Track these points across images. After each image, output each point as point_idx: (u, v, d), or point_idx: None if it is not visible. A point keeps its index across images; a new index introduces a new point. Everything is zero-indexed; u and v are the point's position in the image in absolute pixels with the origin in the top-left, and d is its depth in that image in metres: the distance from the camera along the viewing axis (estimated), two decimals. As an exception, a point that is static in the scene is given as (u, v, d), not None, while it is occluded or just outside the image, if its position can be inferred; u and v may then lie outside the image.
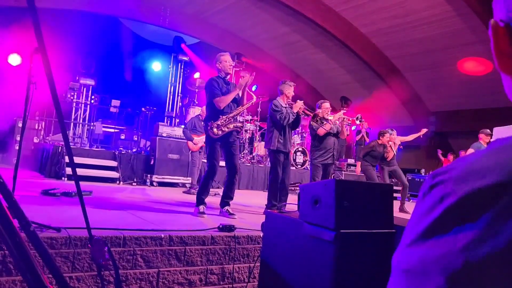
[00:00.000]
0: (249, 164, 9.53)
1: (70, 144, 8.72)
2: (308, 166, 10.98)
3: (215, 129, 4.46)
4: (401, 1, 10.99)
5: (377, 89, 15.19)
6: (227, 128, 4.52)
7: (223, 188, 4.89)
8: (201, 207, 4.47)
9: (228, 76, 4.80)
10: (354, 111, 13.42)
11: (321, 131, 5.52)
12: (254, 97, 4.89)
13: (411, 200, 10.88)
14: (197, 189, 7.14)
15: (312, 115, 5.38)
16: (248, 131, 10.20)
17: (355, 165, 11.37)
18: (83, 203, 1.64)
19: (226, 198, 4.67)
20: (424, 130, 8.03)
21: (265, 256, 2.77)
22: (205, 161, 8.29)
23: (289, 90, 5.24)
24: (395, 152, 7.53)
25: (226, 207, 4.60)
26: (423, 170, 14.83)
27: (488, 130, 7.88)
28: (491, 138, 7.96)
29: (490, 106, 13.12)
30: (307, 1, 11.69)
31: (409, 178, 13.31)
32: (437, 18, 11.29)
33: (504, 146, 0.43)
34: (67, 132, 9.49)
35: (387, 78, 14.41)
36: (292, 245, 2.52)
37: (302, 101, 5.17)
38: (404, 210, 7.06)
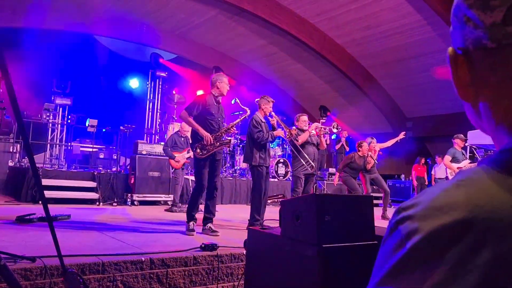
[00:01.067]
0: (231, 178, 9.49)
1: (47, 166, 8.54)
2: (290, 177, 11.01)
3: (198, 150, 4.48)
4: (374, 12, 11.23)
5: (355, 97, 15.43)
6: (213, 147, 4.50)
7: (204, 203, 4.84)
8: (191, 224, 4.48)
9: (220, 98, 4.82)
10: (333, 120, 13.58)
11: (298, 141, 5.56)
12: (248, 110, 4.94)
13: (392, 207, 10.99)
14: (181, 206, 7.14)
15: (288, 132, 5.46)
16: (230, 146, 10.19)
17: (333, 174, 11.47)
18: (54, 233, 1.59)
19: (208, 214, 4.66)
20: (402, 134, 8.14)
21: (248, 274, 2.73)
22: (188, 177, 8.25)
23: (267, 105, 5.26)
24: (375, 160, 7.60)
25: (209, 224, 4.58)
26: (403, 176, 15.04)
27: (462, 136, 8.05)
28: (465, 142, 8.13)
29: (463, 110, 13.42)
30: (282, 14, 11.83)
31: (389, 184, 13.47)
32: (408, 27, 11.58)
33: (466, 179, 0.43)
34: (44, 153, 9.29)
35: (364, 86, 14.64)
36: (275, 262, 2.50)
37: (282, 131, 5.27)
38: (386, 217, 7.12)
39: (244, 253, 3.25)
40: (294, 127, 5.72)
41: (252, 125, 5.15)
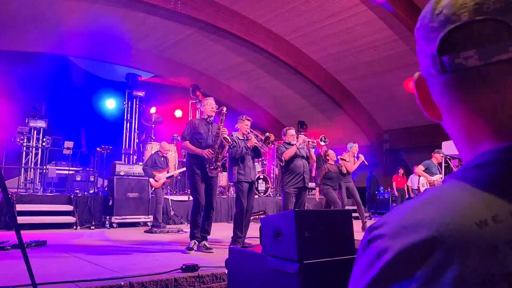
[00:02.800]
0: (211, 196, 9.42)
1: (22, 190, 8.30)
2: (270, 193, 10.99)
3: (212, 167, 4.82)
4: (348, 28, 11.51)
5: (332, 112, 15.66)
6: (216, 154, 4.83)
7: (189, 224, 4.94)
8: (192, 243, 4.66)
9: (211, 118, 5.10)
10: (311, 135, 13.71)
11: (285, 155, 5.56)
12: (224, 107, 5.04)
13: (373, 218, 11.08)
14: (165, 226, 7.08)
15: (263, 138, 5.44)
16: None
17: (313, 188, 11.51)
18: (27, 260, 1.54)
19: (204, 233, 4.83)
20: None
21: (231, 294, 2.70)
22: (168, 197, 8.15)
23: (242, 124, 5.35)
24: (353, 164, 7.66)
25: (203, 242, 4.76)
26: (381, 187, 15.22)
27: (442, 151, 8.22)
28: (443, 158, 8.31)
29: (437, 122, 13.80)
30: (258, 31, 12.00)
31: (369, 196, 13.62)
32: (382, 42, 11.90)
33: (433, 198, 0.44)
34: (19, 177, 9.04)
35: (341, 100, 14.89)
36: (257, 280, 2.47)
37: (253, 137, 5.28)
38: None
39: (226, 272, 3.21)
40: (285, 137, 5.79)
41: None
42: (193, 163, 4.84)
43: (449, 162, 8.15)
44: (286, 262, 2.26)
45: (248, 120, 5.37)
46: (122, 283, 2.72)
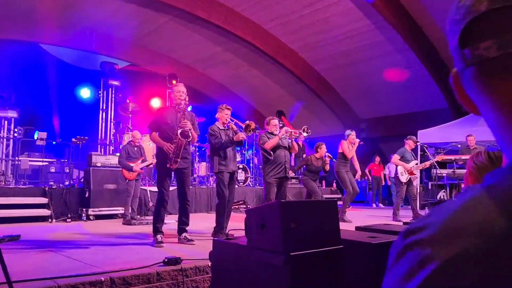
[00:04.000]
0: (190, 187, 9.32)
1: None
2: (250, 183, 10.98)
3: (171, 162, 4.55)
4: (325, 17, 11.50)
5: (309, 101, 15.72)
6: (177, 149, 4.56)
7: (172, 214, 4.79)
8: (159, 237, 4.46)
9: (181, 106, 4.78)
10: (289, 124, 13.73)
11: (267, 145, 5.52)
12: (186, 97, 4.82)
13: (350, 206, 11.19)
14: (139, 219, 6.94)
15: (244, 126, 5.38)
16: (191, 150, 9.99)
17: (296, 178, 11.56)
18: (1, 256, 1.46)
19: (182, 225, 4.69)
20: (357, 142, 7.96)
21: (215, 286, 2.67)
22: (146, 188, 8.03)
23: (222, 113, 5.27)
24: (350, 151, 7.57)
25: (184, 234, 4.63)
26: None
27: (415, 138, 8.38)
28: (417, 144, 8.46)
29: (413, 110, 14.06)
30: (237, 20, 11.85)
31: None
32: (358, 32, 11.95)
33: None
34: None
35: (318, 90, 14.95)
36: (242, 273, 2.45)
37: (233, 126, 5.22)
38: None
39: (209, 265, 3.17)
40: (267, 127, 5.74)
41: (209, 134, 5.19)
42: (160, 154, 4.64)
43: (426, 150, 8.30)
44: (271, 254, 2.24)
45: (228, 109, 5.29)
46: (103, 279, 2.65)
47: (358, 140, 7.68)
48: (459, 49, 0.46)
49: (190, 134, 4.60)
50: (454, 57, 0.49)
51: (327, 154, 7.53)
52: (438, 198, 9.08)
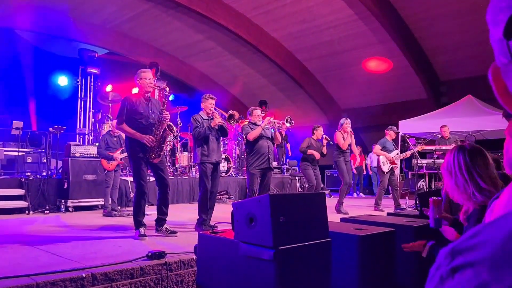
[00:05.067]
0: (172, 177, 9.20)
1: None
2: (232, 173, 10.91)
3: (153, 155, 4.36)
4: (309, 6, 11.43)
5: (292, 91, 15.68)
6: (158, 142, 4.39)
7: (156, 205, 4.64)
8: (141, 230, 4.28)
9: (149, 94, 4.60)
10: (271, 114, 13.68)
11: (250, 136, 5.45)
12: (166, 87, 4.65)
13: (332, 196, 11.29)
14: (120, 210, 6.79)
15: (227, 116, 5.29)
16: (169, 142, 9.84)
17: (279, 168, 11.54)
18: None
19: (162, 215, 4.51)
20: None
21: (201, 281, 2.61)
22: (126, 179, 7.87)
23: (206, 103, 5.17)
24: (344, 141, 7.38)
25: (165, 225, 4.46)
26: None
27: (395, 128, 8.44)
28: (397, 135, 8.53)
29: (394, 101, 14.19)
30: (219, 8, 11.66)
31: (327, 174, 13.87)
32: (341, 22, 11.93)
33: None
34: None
35: (301, 80, 14.92)
36: (229, 268, 2.39)
37: (218, 116, 5.09)
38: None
39: (194, 258, 3.11)
40: (250, 117, 5.66)
41: (192, 124, 5.06)
42: (135, 145, 4.34)
43: (407, 140, 8.39)
44: (260, 248, 2.19)
45: (212, 98, 5.18)
46: (84, 275, 2.55)
47: (325, 137, 7.47)
48: (503, 40, 0.41)
49: (172, 128, 4.49)
50: (495, 49, 0.43)
51: (324, 136, 7.43)
52: (417, 187, 9.20)
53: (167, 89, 4.56)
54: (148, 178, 4.69)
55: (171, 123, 4.52)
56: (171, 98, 11.32)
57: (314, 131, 7.52)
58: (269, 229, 2.16)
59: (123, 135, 7.57)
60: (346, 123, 7.54)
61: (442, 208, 2.07)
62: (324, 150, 7.39)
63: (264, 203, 2.19)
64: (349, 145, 7.52)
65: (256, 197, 2.32)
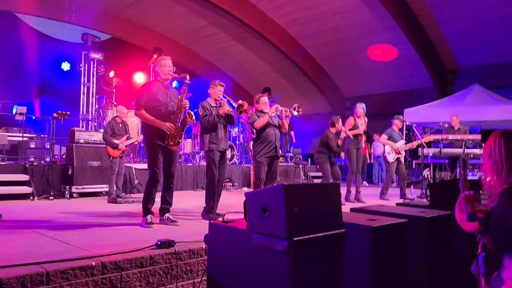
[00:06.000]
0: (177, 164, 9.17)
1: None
2: (236, 160, 10.88)
3: (171, 143, 4.33)
4: (314, -8, 11.25)
5: (296, 78, 15.54)
6: (178, 130, 4.35)
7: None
8: (149, 217, 4.26)
9: (168, 82, 4.55)
10: (276, 101, 13.57)
11: (257, 124, 5.39)
12: (187, 75, 4.53)
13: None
14: (124, 197, 6.78)
15: (237, 105, 5.17)
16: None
17: (283, 156, 11.49)
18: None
19: (165, 205, 4.47)
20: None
21: (211, 271, 2.58)
22: (131, 166, 7.84)
23: (214, 89, 5.09)
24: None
25: (167, 215, 4.42)
26: (342, 154, 15.50)
27: (402, 117, 8.38)
28: (403, 124, 8.47)
29: (400, 90, 14.06)
30: (222, -7, 11.50)
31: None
32: (347, 8, 11.76)
33: None
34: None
35: (305, 67, 14.77)
36: (241, 258, 2.36)
37: (226, 104, 4.99)
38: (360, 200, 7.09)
39: (203, 247, 3.09)
40: (257, 105, 5.57)
41: (200, 111, 4.99)
42: (153, 132, 4.30)
43: (413, 129, 8.31)
44: (273, 239, 2.15)
45: (221, 85, 5.08)
46: (94, 264, 2.52)
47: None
48: None
49: (192, 116, 4.44)
50: None
51: (343, 128, 7.07)
52: (422, 176, 9.16)
53: (187, 77, 4.49)
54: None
55: (190, 111, 4.48)
56: (174, 84, 11.23)
57: (336, 124, 7.07)
58: (283, 219, 2.12)
59: (128, 122, 7.55)
60: (359, 107, 7.35)
61: (475, 202, 2.10)
62: (339, 142, 7.01)
63: (278, 193, 2.14)
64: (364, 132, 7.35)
65: (269, 186, 2.28)
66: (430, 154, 8.11)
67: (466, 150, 7.73)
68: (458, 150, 7.82)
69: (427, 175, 10.15)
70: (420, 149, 8.21)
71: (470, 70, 12.47)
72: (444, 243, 3.18)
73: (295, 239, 2.11)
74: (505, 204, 1.85)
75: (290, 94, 15.65)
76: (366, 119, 7.47)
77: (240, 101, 5.09)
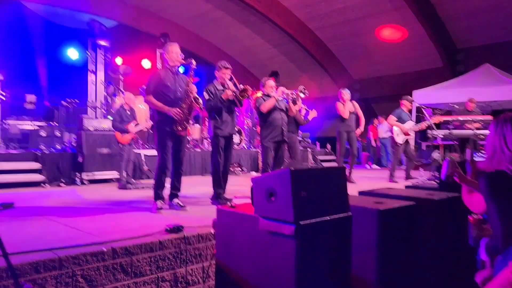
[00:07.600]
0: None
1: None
2: (244, 145, 10.90)
3: (179, 128, 4.37)
4: (321, -28, 11.05)
5: (303, 61, 15.39)
6: (185, 115, 4.37)
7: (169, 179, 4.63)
8: (159, 203, 4.34)
9: (176, 68, 4.56)
10: (282, 84, 13.47)
11: (263, 108, 5.35)
12: (193, 61, 4.50)
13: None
14: (134, 183, 6.85)
15: (240, 90, 5.06)
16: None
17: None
18: None
19: (174, 190, 4.53)
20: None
21: (220, 255, 2.61)
22: (139, 152, 7.90)
23: (220, 72, 4.99)
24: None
25: (176, 200, 4.47)
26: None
27: (410, 97, 8.25)
28: (412, 104, 8.36)
29: (408, 71, 13.86)
30: (227, -24, 11.35)
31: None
32: (355, -12, 11.55)
33: None
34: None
35: (312, 49, 14.61)
36: (248, 242, 2.38)
37: (230, 88, 4.90)
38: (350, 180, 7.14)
39: (212, 232, 3.12)
40: (263, 88, 5.55)
41: (205, 96, 4.89)
42: (162, 119, 4.34)
43: (423, 111, 8.19)
44: (281, 223, 2.16)
45: (227, 68, 4.98)
46: (105, 249, 2.56)
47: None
48: None
49: (199, 101, 4.46)
50: None
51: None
52: (432, 158, 9.08)
53: (194, 62, 4.47)
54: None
55: (197, 96, 4.49)
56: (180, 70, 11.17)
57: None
58: (290, 204, 2.13)
59: (136, 108, 7.57)
60: (344, 92, 7.60)
61: (481, 226, 2.21)
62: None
63: (285, 178, 2.15)
64: (355, 115, 7.47)
65: (276, 171, 2.28)
66: (440, 136, 8.02)
67: (476, 132, 7.64)
68: (468, 132, 7.73)
69: (438, 157, 10.06)
70: (429, 130, 8.12)
71: (481, 49, 12.23)
72: (453, 226, 3.17)
73: (302, 223, 2.12)
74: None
75: (298, 77, 15.54)
76: (356, 104, 7.55)
77: (243, 86, 4.97)
